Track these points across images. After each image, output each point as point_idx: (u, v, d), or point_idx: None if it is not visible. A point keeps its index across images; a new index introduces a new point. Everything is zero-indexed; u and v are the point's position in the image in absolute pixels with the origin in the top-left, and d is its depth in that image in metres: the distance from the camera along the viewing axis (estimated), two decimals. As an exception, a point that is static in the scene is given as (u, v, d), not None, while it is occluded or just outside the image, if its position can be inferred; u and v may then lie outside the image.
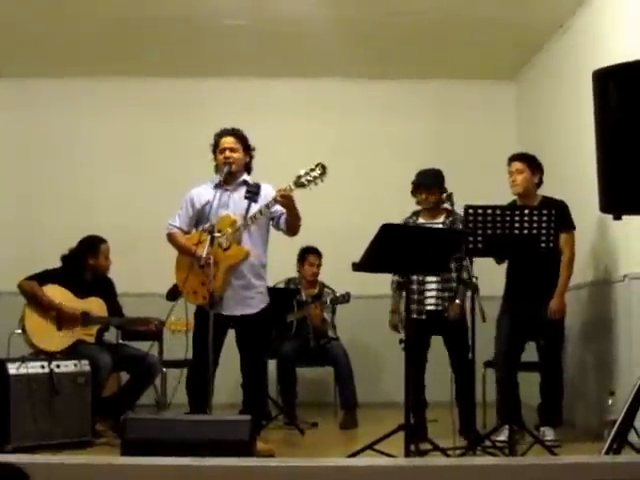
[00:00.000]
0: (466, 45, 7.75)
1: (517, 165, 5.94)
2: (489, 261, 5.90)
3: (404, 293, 5.76)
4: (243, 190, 5.56)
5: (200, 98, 8.56)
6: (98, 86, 8.50)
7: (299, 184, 5.29)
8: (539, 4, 6.73)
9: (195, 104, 8.56)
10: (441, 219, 6.02)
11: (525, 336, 5.93)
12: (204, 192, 5.65)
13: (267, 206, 5.42)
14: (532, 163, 5.96)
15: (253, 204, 5.44)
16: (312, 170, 5.30)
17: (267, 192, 5.54)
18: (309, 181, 5.30)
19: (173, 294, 6.13)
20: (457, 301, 5.96)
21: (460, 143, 8.56)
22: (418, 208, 6.14)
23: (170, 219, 5.72)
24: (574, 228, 5.93)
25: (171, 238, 5.69)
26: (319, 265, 7.52)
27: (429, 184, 5.99)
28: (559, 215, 5.56)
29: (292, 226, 5.57)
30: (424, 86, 8.64)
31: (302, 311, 7.26)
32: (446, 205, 5.87)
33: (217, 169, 5.75)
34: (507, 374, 5.78)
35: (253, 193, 5.47)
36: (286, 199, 5.31)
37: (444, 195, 5.79)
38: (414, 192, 6.06)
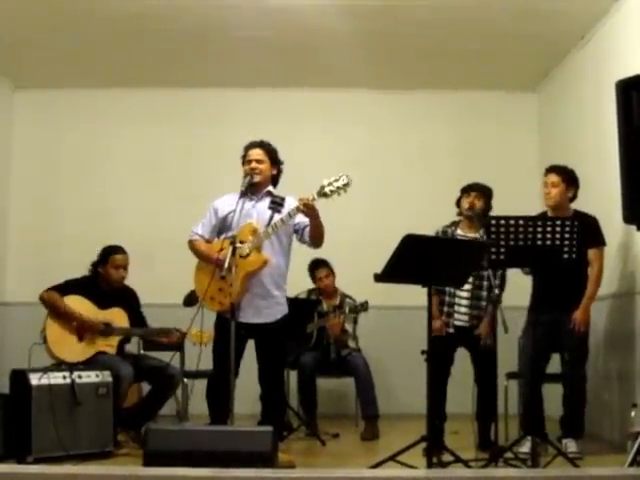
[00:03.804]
0: (488, 56, 7.73)
1: (553, 178, 5.87)
2: (512, 271, 5.88)
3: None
4: (267, 201, 5.58)
5: (220, 109, 8.57)
6: (117, 97, 8.55)
7: (322, 194, 5.28)
8: (561, 15, 6.71)
9: (215, 115, 8.58)
10: (479, 233, 5.95)
11: (550, 348, 5.89)
12: (229, 201, 5.62)
13: (289, 214, 5.40)
14: (568, 177, 5.87)
15: (276, 215, 5.45)
16: (336, 180, 5.29)
17: (290, 204, 5.53)
18: (332, 191, 5.29)
19: (190, 300, 6.15)
20: (485, 321, 5.93)
21: (482, 154, 8.52)
22: (457, 219, 6.10)
23: (194, 226, 5.71)
24: (604, 244, 5.87)
25: (192, 245, 5.69)
26: (328, 276, 7.47)
27: (481, 188, 6.00)
28: (590, 230, 5.53)
29: (315, 237, 5.54)
30: (445, 97, 8.62)
31: (321, 321, 7.24)
32: None
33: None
34: (532, 387, 5.73)
35: (277, 204, 5.50)
36: (308, 208, 5.30)
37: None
38: (462, 196, 6.03)
